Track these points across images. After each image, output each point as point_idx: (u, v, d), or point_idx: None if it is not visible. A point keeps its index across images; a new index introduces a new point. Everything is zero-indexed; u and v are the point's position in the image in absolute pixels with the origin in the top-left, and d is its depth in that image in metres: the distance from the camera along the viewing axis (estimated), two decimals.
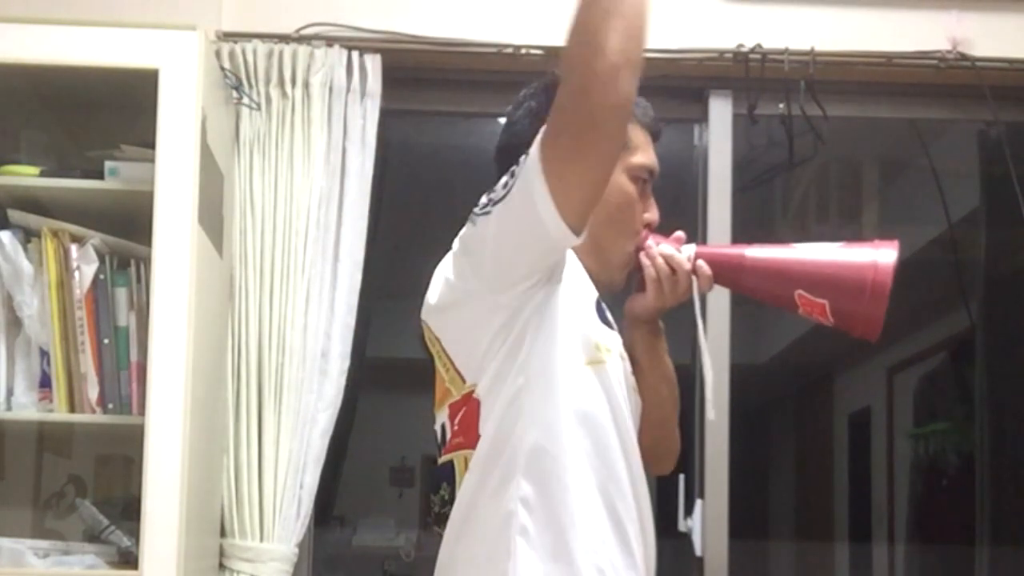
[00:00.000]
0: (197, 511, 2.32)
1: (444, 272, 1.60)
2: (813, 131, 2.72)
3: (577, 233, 1.44)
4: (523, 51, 2.67)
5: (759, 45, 2.69)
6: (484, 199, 1.51)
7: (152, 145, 2.27)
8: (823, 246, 1.68)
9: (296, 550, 2.56)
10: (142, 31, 2.28)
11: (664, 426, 1.78)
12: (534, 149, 1.42)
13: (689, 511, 2.74)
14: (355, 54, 2.66)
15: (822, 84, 2.70)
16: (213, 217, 2.41)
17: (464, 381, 1.58)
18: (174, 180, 2.25)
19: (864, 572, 5.16)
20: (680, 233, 1.70)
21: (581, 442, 1.54)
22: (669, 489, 2.78)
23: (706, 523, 2.71)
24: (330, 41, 2.65)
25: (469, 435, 1.57)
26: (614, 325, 1.65)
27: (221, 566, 2.53)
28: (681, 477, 2.76)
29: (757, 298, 1.68)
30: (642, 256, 1.67)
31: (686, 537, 2.73)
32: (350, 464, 4.20)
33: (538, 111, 1.64)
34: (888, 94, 2.84)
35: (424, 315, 1.65)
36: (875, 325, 1.65)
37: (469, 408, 1.58)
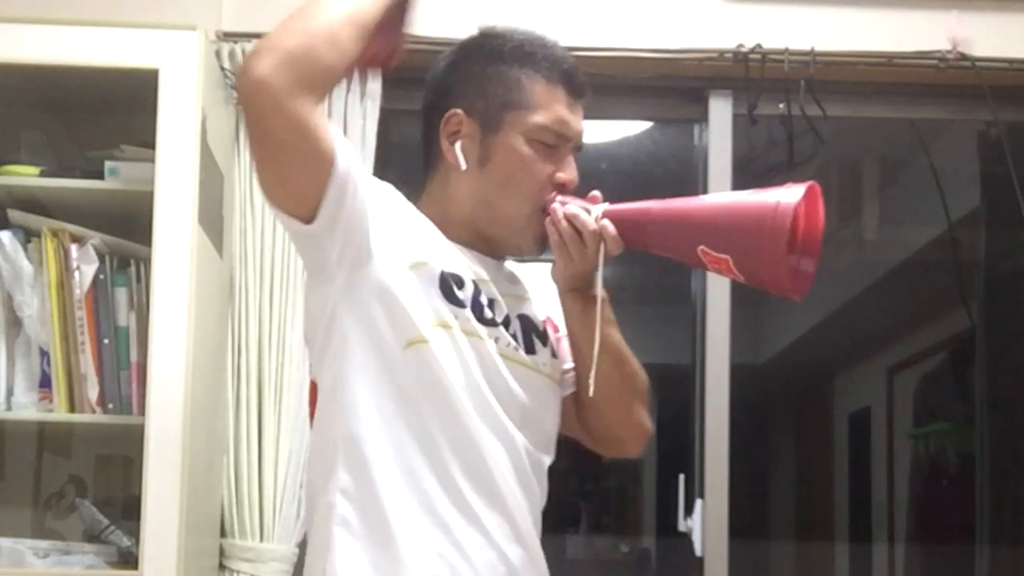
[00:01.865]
0: (197, 511, 2.32)
1: None
2: (813, 131, 2.72)
3: (310, 221, 1.45)
4: None
5: (759, 45, 2.69)
6: None
7: (152, 145, 2.27)
8: (731, 194, 1.57)
9: (296, 550, 2.56)
10: (142, 31, 2.28)
11: (611, 403, 1.66)
12: None
13: (689, 511, 2.74)
14: None
15: (822, 84, 2.70)
16: (213, 217, 2.41)
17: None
18: (174, 180, 2.26)
19: (864, 572, 5.15)
20: (595, 193, 1.60)
21: (397, 426, 1.49)
22: (669, 489, 2.78)
23: (706, 523, 2.71)
24: None
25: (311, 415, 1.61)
26: (465, 302, 1.55)
27: (221, 566, 2.53)
28: (681, 477, 2.76)
29: (670, 257, 1.58)
30: (547, 219, 1.57)
31: (686, 537, 2.73)
32: None
33: (442, 73, 1.69)
34: (888, 94, 2.84)
35: None
36: (781, 278, 1.45)
37: (312, 388, 1.60)
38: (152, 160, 2.27)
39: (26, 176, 2.38)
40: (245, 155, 2.61)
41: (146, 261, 2.30)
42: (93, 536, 2.38)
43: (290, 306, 2.57)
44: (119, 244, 2.38)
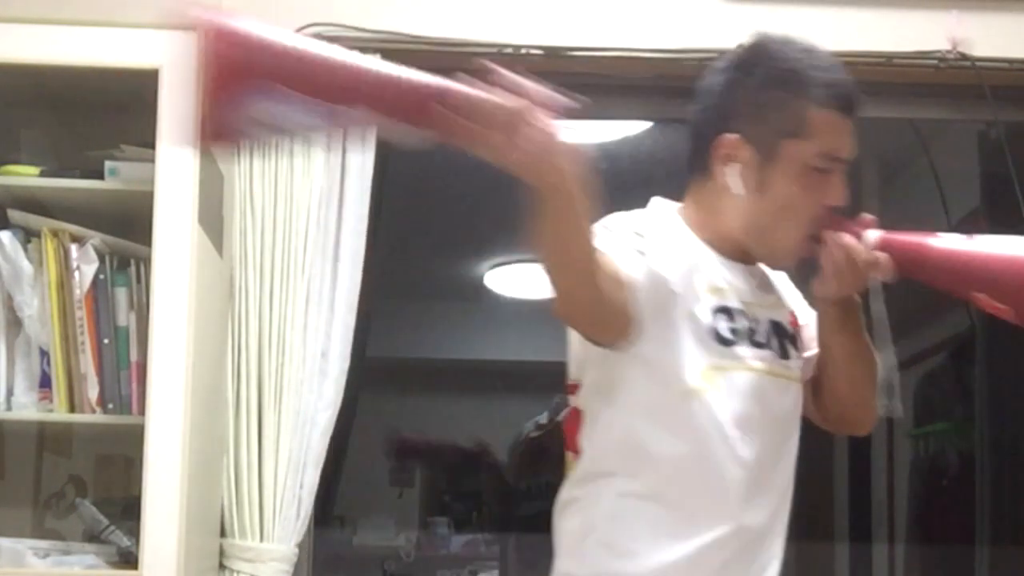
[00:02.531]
0: (197, 511, 2.32)
1: None
2: None
3: (618, 347, 1.54)
4: (523, 51, 2.67)
5: None
6: None
7: (152, 145, 2.27)
8: (1012, 243, 1.62)
9: (296, 550, 2.56)
10: (142, 31, 2.28)
11: (856, 396, 1.74)
12: None
13: None
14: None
15: None
16: (213, 217, 2.41)
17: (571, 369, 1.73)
18: (174, 180, 2.25)
19: (864, 572, 5.15)
20: (868, 216, 1.66)
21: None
22: None
23: None
24: (330, 41, 2.65)
25: (571, 438, 1.71)
26: (733, 336, 1.63)
27: (221, 566, 2.53)
28: None
29: (937, 288, 1.64)
30: (826, 243, 1.63)
31: None
32: (350, 464, 4.20)
33: (719, 91, 1.69)
34: (888, 94, 2.84)
35: None
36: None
37: (573, 413, 1.72)
38: (152, 160, 2.27)
39: (26, 176, 2.38)
40: (245, 155, 2.61)
41: (146, 261, 2.30)
42: (93, 536, 2.38)
43: (290, 306, 2.57)
44: (119, 244, 2.38)
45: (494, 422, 5.42)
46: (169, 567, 2.18)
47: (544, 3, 2.72)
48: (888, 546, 5.00)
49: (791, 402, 1.70)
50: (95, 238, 2.35)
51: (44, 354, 2.34)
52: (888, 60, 2.71)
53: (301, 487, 2.56)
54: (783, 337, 1.70)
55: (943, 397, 4.54)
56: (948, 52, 2.69)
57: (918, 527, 4.68)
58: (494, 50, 2.68)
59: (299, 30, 2.64)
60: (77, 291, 2.33)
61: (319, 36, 2.65)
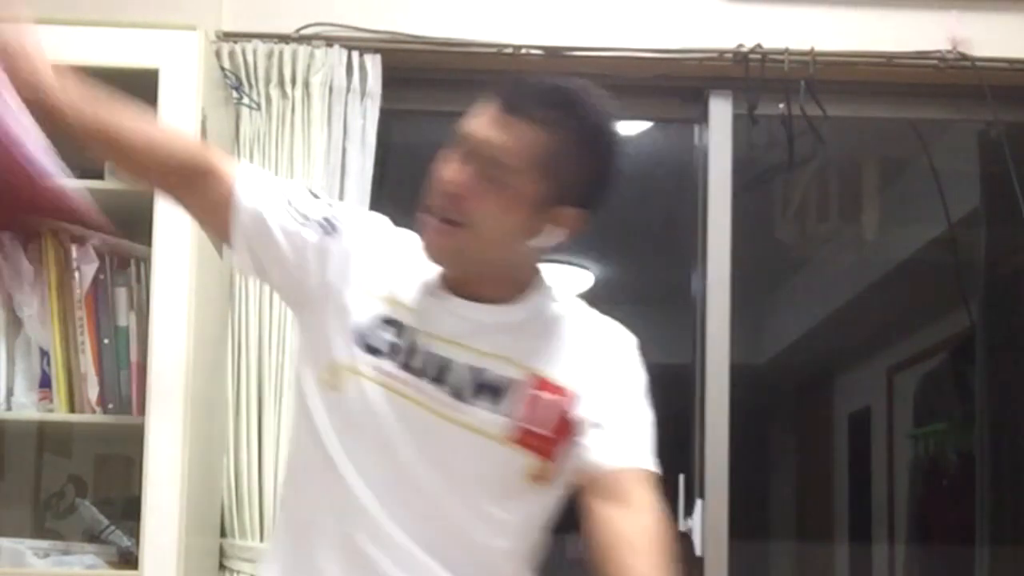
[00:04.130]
0: (197, 511, 2.32)
1: None
2: (813, 131, 2.72)
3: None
4: (523, 51, 2.68)
5: (759, 45, 2.69)
6: None
7: None
8: None
9: None
10: (142, 31, 2.29)
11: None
12: None
13: (689, 511, 2.74)
14: (355, 54, 2.66)
15: (822, 84, 2.70)
16: None
17: None
18: None
19: (864, 572, 5.15)
20: None
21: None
22: (669, 489, 2.78)
23: (706, 523, 2.71)
24: (330, 41, 2.65)
25: None
26: (380, 349, 1.53)
27: (221, 566, 2.53)
28: (681, 477, 2.76)
29: None
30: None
31: (686, 537, 2.73)
32: None
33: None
34: (888, 94, 2.84)
35: None
36: None
37: None
38: None
39: None
40: (245, 155, 2.61)
41: (146, 261, 2.30)
42: (93, 536, 2.38)
43: None
44: (119, 244, 2.37)
45: None
46: (169, 567, 2.18)
47: (544, 3, 2.72)
48: (888, 546, 5.00)
49: (468, 453, 1.52)
50: (95, 238, 2.35)
51: (44, 354, 2.34)
52: (888, 60, 2.71)
53: None
54: (481, 385, 1.52)
55: (943, 397, 4.54)
56: (948, 52, 2.70)
57: (918, 527, 4.69)
58: (494, 50, 2.68)
59: (299, 30, 2.65)
60: (77, 291, 2.33)
61: (319, 36, 2.66)
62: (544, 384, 1.53)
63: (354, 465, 1.51)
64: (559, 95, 1.52)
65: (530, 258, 1.59)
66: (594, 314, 1.64)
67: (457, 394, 1.52)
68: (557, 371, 1.54)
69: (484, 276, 1.56)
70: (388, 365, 1.52)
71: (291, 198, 1.58)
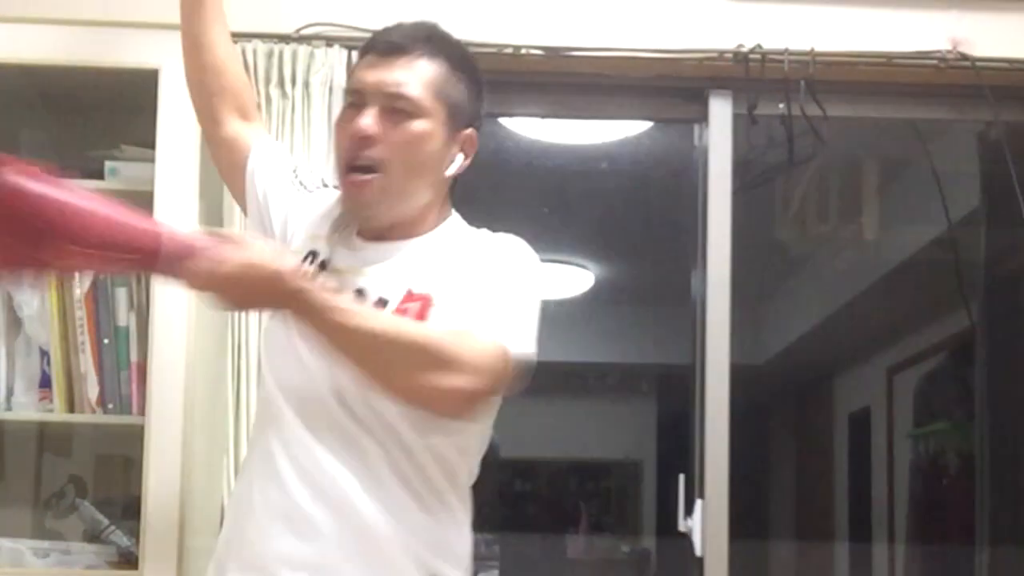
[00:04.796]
0: (197, 511, 2.32)
1: None
2: (813, 131, 2.72)
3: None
4: (523, 51, 2.67)
5: (759, 45, 2.69)
6: None
7: (152, 145, 2.27)
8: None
9: None
10: (142, 31, 2.28)
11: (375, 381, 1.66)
12: None
13: (689, 511, 2.74)
14: (355, 54, 2.65)
15: (822, 84, 2.69)
16: (213, 217, 2.41)
17: None
18: (174, 180, 2.26)
19: (864, 572, 5.16)
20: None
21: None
22: (669, 489, 2.78)
23: (706, 523, 2.71)
24: (330, 41, 2.65)
25: None
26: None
27: None
28: (681, 477, 2.76)
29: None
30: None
31: (686, 537, 2.73)
32: None
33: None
34: (888, 94, 2.84)
35: None
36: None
37: None
38: (152, 160, 2.27)
39: None
40: None
41: None
42: (93, 536, 2.38)
43: None
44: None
45: (498, 422, 5.43)
46: (169, 567, 2.18)
47: (544, 3, 2.72)
48: (888, 546, 5.00)
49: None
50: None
51: (44, 354, 2.34)
52: (888, 60, 2.71)
53: None
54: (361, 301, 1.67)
55: (943, 397, 4.54)
56: (948, 52, 2.69)
57: (918, 527, 4.69)
58: (494, 50, 2.68)
59: (299, 30, 2.65)
60: (77, 291, 2.33)
61: (319, 36, 2.65)
62: (409, 296, 1.66)
63: (274, 376, 1.70)
64: (423, 30, 1.73)
65: (443, 189, 1.74)
66: (485, 232, 1.77)
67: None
68: (422, 283, 1.67)
69: (399, 219, 1.71)
70: None
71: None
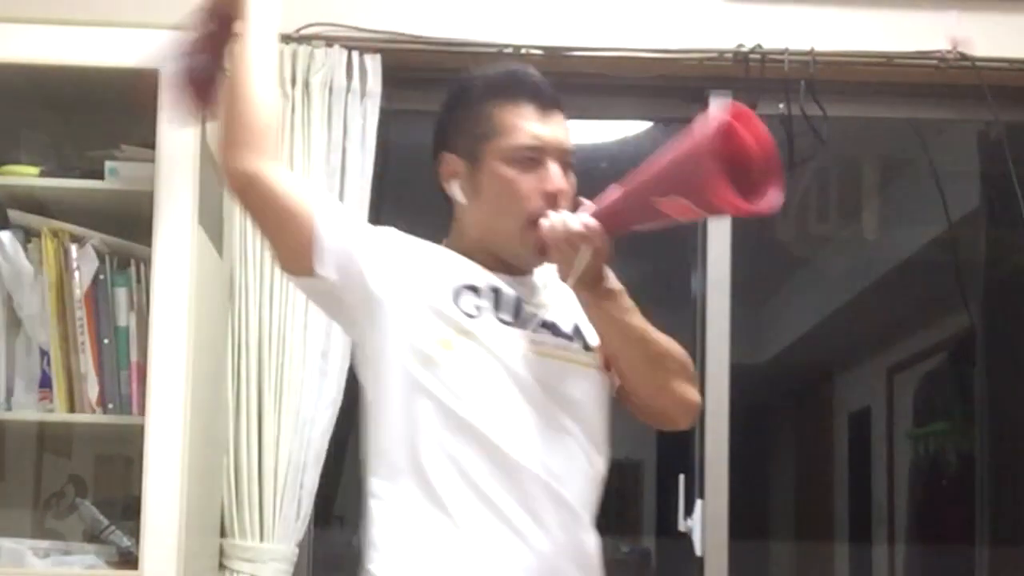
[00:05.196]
0: (197, 511, 2.32)
1: None
2: (813, 131, 2.72)
3: (306, 274, 1.66)
4: (523, 51, 2.67)
5: (759, 45, 2.69)
6: None
7: (152, 145, 2.27)
8: (673, 143, 1.63)
9: (296, 550, 2.56)
10: (142, 31, 2.28)
11: (647, 380, 1.75)
12: None
13: (689, 511, 2.74)
14: (355, 54, 2.66)
15: (822, 84, 2.70)
16: (213, 217, 2.41)
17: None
18: (174, 180, 2.25)
19: (864, 572, 5.16)
20: (584, 201, 1.69)
21: (423, 432, 1.62)
22: (669, 489, 2.78)
23: (706, 523, 2.71)
24: (330, 41, 2.65)
25: None
26: (477, 311, 1.67)
27: (221, 566, 2.53)
28: (681, 477, 2.76)
29: (652, 227, 1.66)
30: (541, 228, 1.67)
31: (686, 537, 2.73)
32: (350, 464, 4.20)
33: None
34: (888, 94, 2.84)
35: None
36: (728, 196, 1.51)
37: None
38: (152, 160, 2.27)
39: (26, 176, 2.37)
40: None
41: (146, 261, 2.30)
42: (93, 536, 2.38)
43: (290, 306, 2.57)
44: (119, 244, 2.37)
45: None
46: (169, 567, 2.18)
47: (544, 3, 2.72)
48: (888, 546, 5.00)
49: (584, 385, 1.74)
50: (95, 238, 2.35)
51: (44, 354, 2.34)
52: (888, 60, 2.71)
53: (301, 487, 2.56)
54: (557, 332, 1.74)
55: (943, 397, 4.54)
56: (948, 52, 2.69)
57: (918, 527, 4.69)
58: (494, 50, 2.68)
59: (299, 30, 2.65)
60: (77, 291, 2.33)
61: (319, 36, 2.65)
62: (576, 327, 1.77)
63: (486, 417, 1.63)
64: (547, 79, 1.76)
65: None
66: None
67: (557, 334, 1.73)
68: (570, 314, 1.77)
69: None
70: (490, 323, 1.67)
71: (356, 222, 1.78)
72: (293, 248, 1.67)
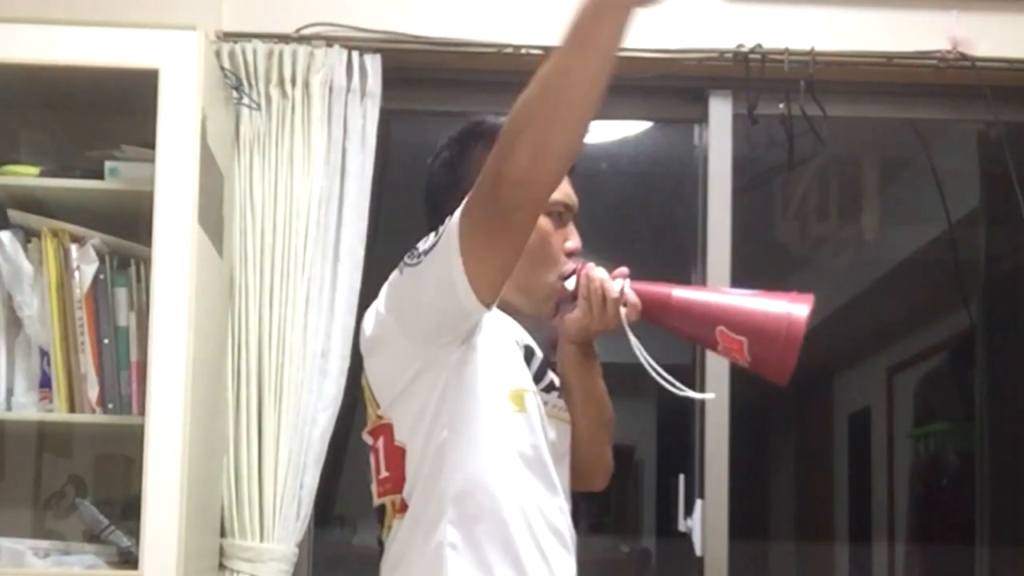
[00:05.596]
0: (197, 511, 2.32)
1: (376, 305, 1.68)
2: (813, 131, 2.72)
3: (488, 306, 1.53)
4: (523, 51, 2.67)
5: (759, 45, 2.69)
6: (417, 248, 1.57)
7: (152, 145, 2.27)
8: (744, 292, 1.77)
9: (296, 550, 2.56)
10: (142, 31, 2.28)
11: (592, 442, 1.83)
12: (455, 218, 1.49)
13: (689, 511, 2.74)
14: (355, 54, 2.66)
15: (822, 84, 2.70)
16: (213, 217, 2.41)
17: (378, 406, 1.69)
18: (174, 180, 2.25)
19: (864, 572, 5.15)
20: (623, 269, 1.76)
21: (513, 480, 1.63)
22: (669, 489, 2.78)
23: (706, 523, 2.71)
24: (330, 41, 2.65)
25: (396, 479, 1.67)
26: (544, 377, 1.74)
27: (221, 566, 2.53)
28: (681, 477, 2.76)
29: (681, 335, 1.77)
30: (581, 276, 1.74)
31: (686, 537, 2.73)
32: (350, 464, 4.20)
33: (452, 162, 1.75)
34: (888, 94, 2.84)
35: (362, 345, 1.73)
36: (786, 372, 1.73)
37: (394, 452, 1.67)
38: (152, 160, 2.27)
39: (26, 176, 2.38)
40: (245, 155, 2.61)
41: (146, 261, 2.30)
42: (93, 536, 2.38)
43: (290, 306, 2.57)
44: (119, 244, 2.38)
45: None
46: (169, 567, 2.18)
47: (544, 3, 2.72)
48: (888, 546, 5.00)
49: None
50: (95, 238, 2.35)
51: (44, 354, 2.34)
52: (888, 60, 2.71)
53: (301, 487, 2.56)
54: (553, 386, 1.80)
55: (943, 397, 4.54)
56: (948, 52, 2.70)
57: (918, 527, 4.69)
58: (494, 50, 2.68)
59: (299, 30, 2.65)
60: (77, 291, 2.33)
61: (319, 36, 2.65)
62: None
63: (549, 478, 1.69)
64: None
65: None
66: None
67: (553, 390, 1.77)
68: None
69: None
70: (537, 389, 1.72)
71: None
72: (500, 283, 1.53)
